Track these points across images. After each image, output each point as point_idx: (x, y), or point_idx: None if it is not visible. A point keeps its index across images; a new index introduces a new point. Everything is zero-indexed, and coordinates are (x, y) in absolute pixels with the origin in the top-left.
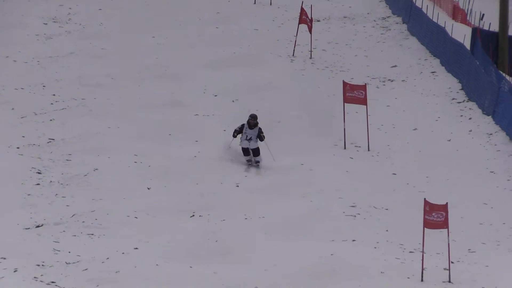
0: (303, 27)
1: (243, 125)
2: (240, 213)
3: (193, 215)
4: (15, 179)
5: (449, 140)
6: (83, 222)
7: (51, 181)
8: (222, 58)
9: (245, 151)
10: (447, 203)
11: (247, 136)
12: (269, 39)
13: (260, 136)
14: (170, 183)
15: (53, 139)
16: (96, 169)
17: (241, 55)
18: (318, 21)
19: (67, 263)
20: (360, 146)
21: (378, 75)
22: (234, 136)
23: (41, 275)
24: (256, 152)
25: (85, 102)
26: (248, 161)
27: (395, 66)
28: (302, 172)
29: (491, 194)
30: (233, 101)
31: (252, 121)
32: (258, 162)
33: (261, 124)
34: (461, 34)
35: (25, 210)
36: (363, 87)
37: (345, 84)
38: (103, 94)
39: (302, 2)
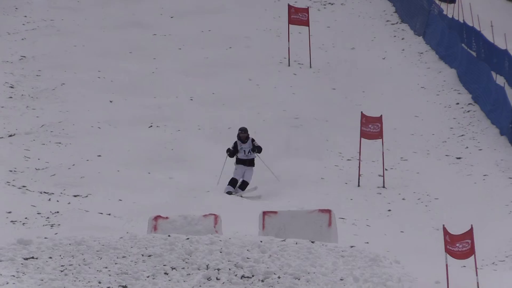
0: None
1: (236, 143)
2: (194, 124)
3: (151, 126)
4: None
5: (384, 58)
6: (52, 132)
7: (22, 95)
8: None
9: (232, 182)
10: (381, 115)
11: (245, 151)
12: None
13: (257, 148)
14: (130, 96)
15: (25, 57)
16: (63, 83)
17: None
18: None
19: (36, 169)
20: (302, 64)
21: None
22: (231, 156)
23: (13, 180)
24: (244, 185)
25: (54, 23)
26: (229, 193)
27: None
28: (251, 87)
29: (422, 107)
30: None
31: (243, 134)
32: (240, 194)
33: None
34: None
35: (0, 121)
36: (306, 10)
37: (290, 7)
38: (70, 16)
39: None
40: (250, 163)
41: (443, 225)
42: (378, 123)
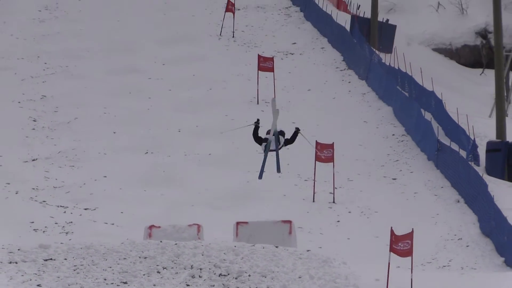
0: (229, 14)
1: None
2: (181, 151)
3: (147, 152)
4: (16, 125)
5: (334, 98)
6: (67, 157)
7: (43, 127)
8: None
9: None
10: (333, 143)
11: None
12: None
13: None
14: (130, 128)
15: (45, 96)
16: (76, 118)
17: (182, 35)
18: (238, 9)
19: (54, 187)
20: (269, 102)
21: (282, 50)
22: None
23: (36, 196)
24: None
25: (68, 69)
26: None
27: (295, 43)
28: (227, 121)
29: (364, 137)
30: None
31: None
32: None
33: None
34: (343, 20)
35: (24, 148)
36: (271, 59)
37: (259, 56)
38: (81, 63)
39: None
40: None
41: (391, 227)
42: (331, 149)
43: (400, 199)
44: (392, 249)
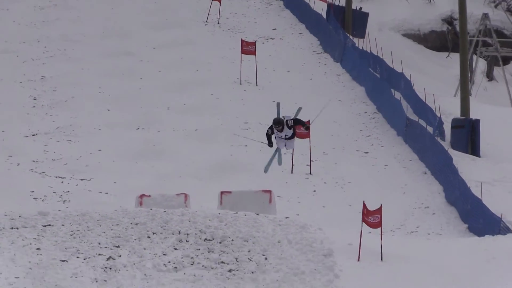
0: (215, 3)
1: (272, 128)
2: (170, 127)
3: (138, 128)
4: (18, 103)
5: (311, 79)
6: (64, 132)
7: (42, 105)
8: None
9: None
10: (309, 120)
11: (281, 136)
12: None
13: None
14: (123, 106)
15: (44, 76)
16: (73, 97)
17: (171, 21)
18: None
19: (53, 160)
20: (251, 82)
21: (263, 35)
22: (270, 142)
23: (35, 168)
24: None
25: (66, 52)
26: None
27: (275, 29)
28: (212, 99)
29: (339, 115)
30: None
31: (279, 127)
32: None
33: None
34: (320, 7)
35: (25, 124)
36: (254, 43)
37: (242, 41)
38: (78, 47)
39: None
40: (290, 137)
41: (363, 201)
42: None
43: (371, 171)
44: (363, 220)
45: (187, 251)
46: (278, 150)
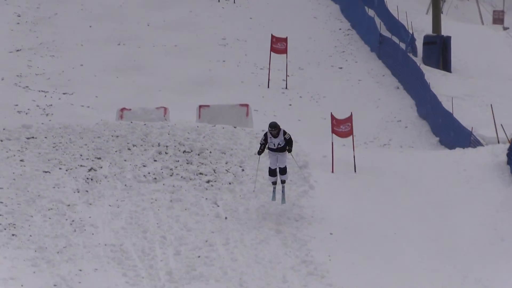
0: None
1: (266, 135)
2: (149, 43)
3: (119, 44)
4: (2, 20)
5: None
6: (47, 47)
7: (26, 21)
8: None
9: (272, 172)
10: (286, 37)
11: (274, 144)
12: None
13: (290, 144)
14: (104, 23)
15: None
16: (56, 13)
17: None
18: None
19: (36, 74)
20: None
21: None
22: (261, 150)
23: (19, 82)
24: (284, 170)
25: None
26: (274, 183)
27: None
28: (191, 18)
29: (314, 32)
30: None
31: (274, 131)
32: (284, 181)
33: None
34: None
35: (9, 39)
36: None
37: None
38: None
39: None
40: (281, 149)
41: (331, 112)
42: (284, 42)
43: (345, 85)
44: (333, 131)
45: (166, 162)
46: (273, 190)
